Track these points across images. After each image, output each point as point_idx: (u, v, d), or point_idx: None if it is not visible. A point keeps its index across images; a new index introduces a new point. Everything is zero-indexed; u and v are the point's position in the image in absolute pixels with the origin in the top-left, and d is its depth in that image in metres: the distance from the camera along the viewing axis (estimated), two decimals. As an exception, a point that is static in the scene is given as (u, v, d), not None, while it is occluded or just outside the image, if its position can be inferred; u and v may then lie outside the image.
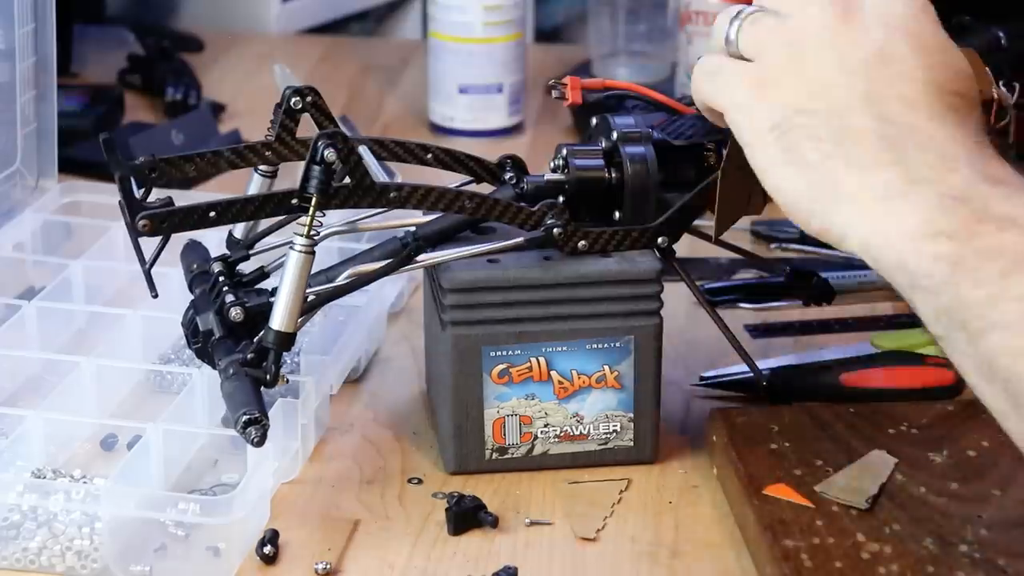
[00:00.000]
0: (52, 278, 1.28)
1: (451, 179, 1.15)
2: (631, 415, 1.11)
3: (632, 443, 1.12)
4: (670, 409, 1.18)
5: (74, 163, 1.55)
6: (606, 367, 1.10)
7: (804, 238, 1.45)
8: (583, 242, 1.09)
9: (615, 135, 1.12)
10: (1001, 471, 1.07)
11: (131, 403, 1.18)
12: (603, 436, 1.11)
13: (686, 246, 1.17)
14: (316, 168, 1.03)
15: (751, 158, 0.95)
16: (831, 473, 1.06)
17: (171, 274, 1.27)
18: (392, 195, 1.07)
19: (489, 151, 1.22)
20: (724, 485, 1.10)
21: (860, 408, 1.13)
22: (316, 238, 1.04)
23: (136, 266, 1.32)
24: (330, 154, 1.02)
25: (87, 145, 1.63)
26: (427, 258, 1.10)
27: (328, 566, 1.01)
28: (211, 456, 1.11)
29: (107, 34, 1.94)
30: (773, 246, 1.46)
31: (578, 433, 1.11)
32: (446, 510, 1.05)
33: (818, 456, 1.08)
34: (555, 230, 1.08)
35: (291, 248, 1.03)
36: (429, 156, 1.15)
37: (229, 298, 1.07)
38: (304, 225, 1.03)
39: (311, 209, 1.03)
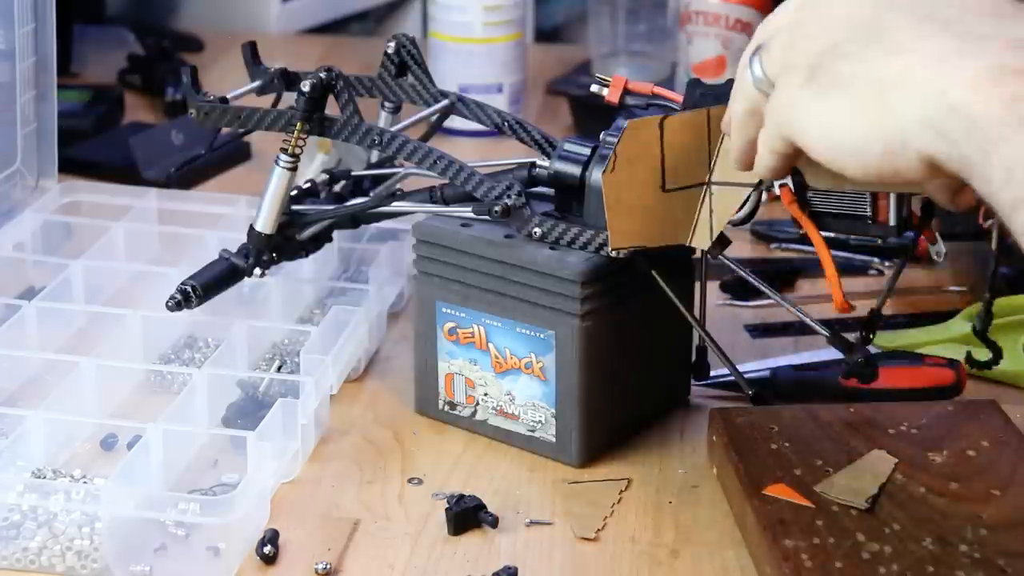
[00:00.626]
0: (52, 278, 1.28)
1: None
2: (554, 411, 1.11)
3: (554, 439, 1.12)
4: (670, 409, 1.18)
5: (74, 163, 1.55)
6: (533, 355, 1.11)
7: (804, 238, 1.45)
8: (538, 229, 1.10)
9: (602, 135, 1.12)
10: (1001, 471, 1.07)
11: (131, 403, 1.18)
12: (531, 423, 1.12)
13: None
14: (301, 97, 1.15)
15: (799, 132, 0.85)
16: (831, 473, 1.06)
17: (171, 274, 1.27)
18: (374, 137, 1.15)
19: (489, 151, 1.23)
20: (724, 485, 1.10)
21: (860, 408, 1.13)
22: (299, 155, 1.17)
23: (136, 266, 1.33)
24: (305, 85, 1.15)
25: (87, 145, 1.63)
26: (402, 205, 1.19)
27: (328, 566, 1.01)
28: (211, 456, 1.11)
29: (107, 34, 1.95)
30: (773, 246, 1.46)
31: (511, 412, 1.12)
32: (446, 510, 1.05)
33: (818, 456, 1.08)
34: (495, 208, 1.10)
35: (276, 163, 1.17)
36: (505, 123, 1.23)
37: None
38: (289, 143, 1.16)
39: (295, 131, 1.15)
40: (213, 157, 1.60)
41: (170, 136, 1.60)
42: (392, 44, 1.26)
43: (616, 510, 1.07)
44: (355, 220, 1.24)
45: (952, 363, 1.19)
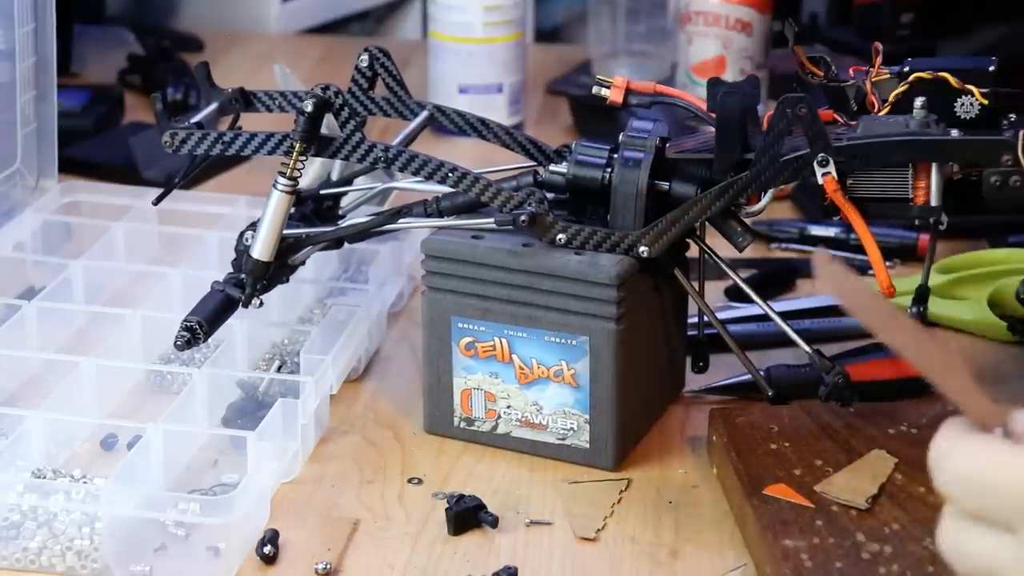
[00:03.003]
0: (52, 278, 1.28)
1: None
2: (587, 416, 1.11)
3: (588, 445, 1.11)
4: (670, 409, 1.18)
5: (74, 163, 1.55)
6: (563, 362, 1.10)
7: (803, 238, 1.45)
8: (562, 235, 1.10)
9: (621, 137, 1.11)
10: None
11: (131, 403, 1.18)
12: (561, 431, 1.11)
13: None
14: (301, 117, 1.11)
15: None
16: (831, 473, 1.06)
17: (171, 274, 1.27)
18: (379, 154, 1.12)
19: (489, 151, 1.22)
20: (724, 485, 1.10)
21: (860, 408, 1.13)
22: (298, 178, 1.13)
23: (136, 266, 1.33)
24: (307, 105, 1.11)
25: (87, 145, 1.63)
26: (409, 222, 1.15)
27: (328, 566, 1.01)
28: (211, 456, 1.11)
29: (107, 34, 1.94)
30: (773, 246, 1.46)
31: (538, 422, 1.12)
32: (446, 510, 1.05)
33: (818, 456, 1.08)
34: (521, 217, 1.09)
35: (273, 187, 1.13)
36: (488, 132, 1.19)
37: (248, 232, 1.16)
38: (288, 166, 1.12)
39: (294, 153, 1.11)
40: (213, 157, 1.60)
41: (170, 136, 1.60)
42: (365, 57, 1.21)
43: (616, 510, 1.07)
44: (340, 240, 1.19)
45: None
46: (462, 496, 1.06)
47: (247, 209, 1.38)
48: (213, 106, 1.23)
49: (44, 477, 1.06)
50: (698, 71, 1.68)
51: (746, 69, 1.64)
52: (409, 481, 1.11)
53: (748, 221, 1.12)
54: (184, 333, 1.11)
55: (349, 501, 1.08)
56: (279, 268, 1.16)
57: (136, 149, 1.56)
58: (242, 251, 1.15)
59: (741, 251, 1.12)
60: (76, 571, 1.00)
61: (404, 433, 1.16)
